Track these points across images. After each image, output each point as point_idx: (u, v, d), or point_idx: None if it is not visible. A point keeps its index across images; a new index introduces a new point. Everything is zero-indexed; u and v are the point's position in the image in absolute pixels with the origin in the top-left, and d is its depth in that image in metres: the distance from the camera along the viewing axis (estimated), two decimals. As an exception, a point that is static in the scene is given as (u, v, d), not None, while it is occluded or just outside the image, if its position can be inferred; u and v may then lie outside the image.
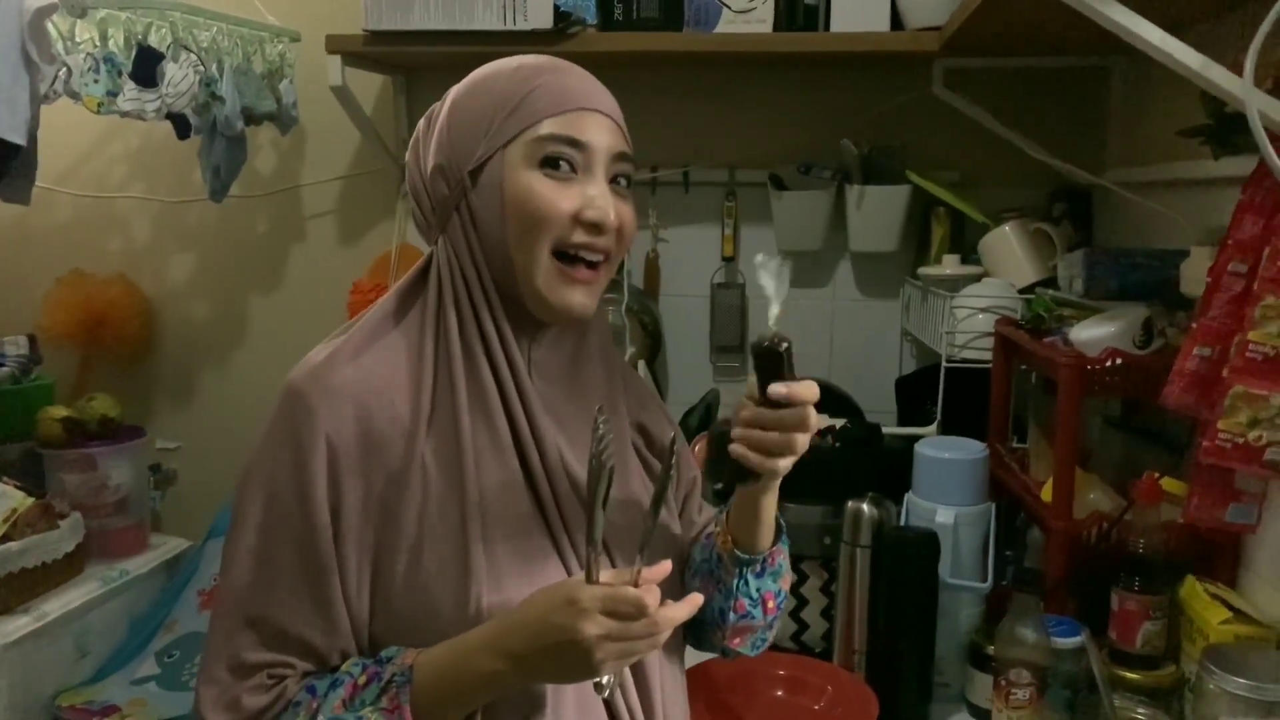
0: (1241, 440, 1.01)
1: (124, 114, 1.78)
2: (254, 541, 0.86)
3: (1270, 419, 1.00)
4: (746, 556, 0.94)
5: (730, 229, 2.15)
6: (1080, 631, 1.26)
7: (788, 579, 1.01)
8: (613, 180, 0.88)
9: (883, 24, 1.79)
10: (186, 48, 1.82)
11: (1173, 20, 1.25)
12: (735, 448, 0.85)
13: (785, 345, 0.84)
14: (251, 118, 1.99)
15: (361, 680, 0.82)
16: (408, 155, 0.94)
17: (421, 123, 0.93)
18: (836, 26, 1.80)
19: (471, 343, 0.87)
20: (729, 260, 2.17)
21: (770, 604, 0.99)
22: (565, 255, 0.86)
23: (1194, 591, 1.26)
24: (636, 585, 0.78)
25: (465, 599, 0.83)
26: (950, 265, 1.85)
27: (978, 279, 1.77)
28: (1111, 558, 1.30)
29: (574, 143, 0.85)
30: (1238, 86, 0.94)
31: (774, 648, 1.48)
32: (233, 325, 2.37)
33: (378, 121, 2.15)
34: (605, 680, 0.79)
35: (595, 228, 0.85)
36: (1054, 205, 1.97)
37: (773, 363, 0.84)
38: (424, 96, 2.20)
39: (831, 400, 1.79)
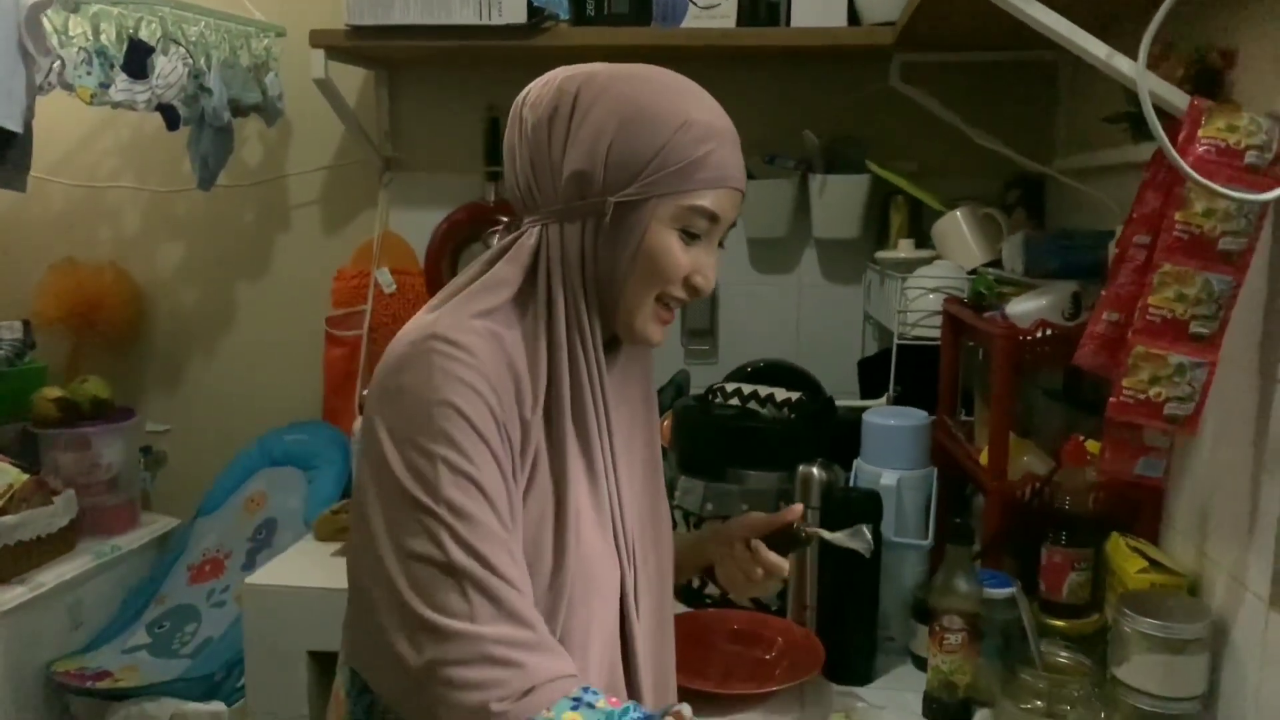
0: (1144, 396, 1.10)
1: (116, 105, 1.87)
2: (468, 475, 0.82)
3: (1168, 376, 1.09)
4: None
5: (700, 217, 2.23)
6: (1012, 583, 1.35)
7: None
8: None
9: (840, 19, 1.88)
10: (176, 41, 1.90)
11: (1101, 18, 1.34)
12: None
13: (808, 543, 1.16)
14: (238, 109, 2.07)
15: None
16: (538, 123, 0.91)
17: (560, 103, 0.90)
18: (797, 22, 1.90)
19: (574, 340, 0.91)
20: (699, 247, 2.26)
21: None
22: (665, 303, 0.95)
23: (1117, 545, 1.35)
24: None
25: (562, 564, 0.88)
26: (905, 249, 1.95)
27: (930, 262, 1.86)
28: (1042, 516, 1.39)
29: (713, 218, 0.92)
30: (1133, 70, 1.03)
31: (730, 605, 1.59)
32: (220, 311, 2.45)
33: (360, 113, 2.24)
34: None
35: (696, 291, 0.94)
36: (1008, 193, 2.06)
37: (790, 543, 1.13)
38: (405, 89, 2.29)
39: (792, 377, 1.88)
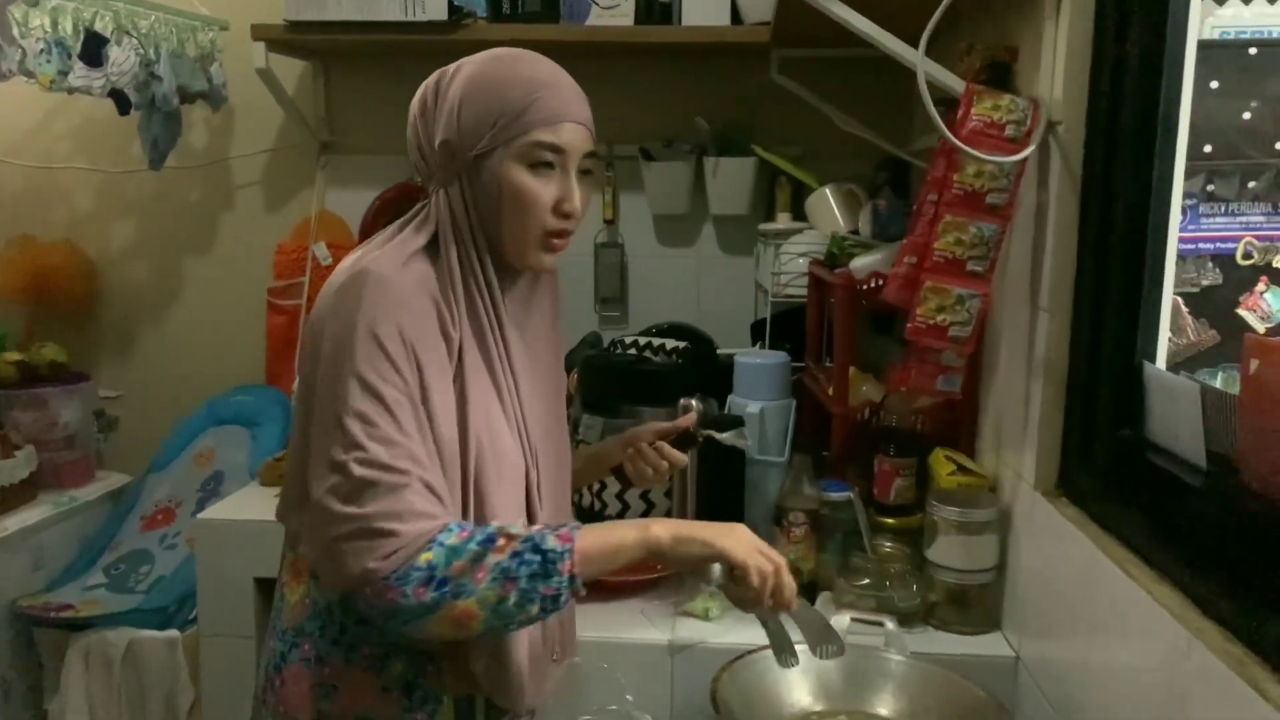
0: (933, 322, 1.38)
1: (73, 90, 2.07)
2: (375, 389, 1.01)
3: (951, 305, 1.37)
4: None
5: (610, 196, 2.49)
6: (850, 489, 1.62)
7: None
8: (580, 172, 1.15)
9: (724, 19, 2.15)
10: (128, 33, 2.10)
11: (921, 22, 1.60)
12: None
13: (702, 443, 1.35)
14: (186, 96, 2.28)
15: (536, 526, 1.04)
16: (415, 117, 1.12)
17: (427, 94, 1.12)
18: (687, 20, 2.16)
19: (469, 282, 1.12)
20: (609, 223, 2.52)
21: None
22: (548, 233, 1.13)
23: (937, 457, 1.64)
24: None
25: (467, 451, 1.08)
26: (783, 221, 2.22)
27: (803, 232, 2.14)
28: (876, 433, 1.67)
29: (556, 149, 1.11)
30: (913, 55, 1.30)
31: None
32: (169, 285, 2.64)
33: (299, 101, 2.45)
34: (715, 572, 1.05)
35: (567, 216, 1.14)
36: (878, 173, 2.34)
37: (687, 442, 1.32)
38: (339, 78, 2.51)
39: (688, 335, 2.15)
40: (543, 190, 1.09)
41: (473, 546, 0.99)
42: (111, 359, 2.67)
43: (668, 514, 1.83)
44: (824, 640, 1.12)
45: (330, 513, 0.99)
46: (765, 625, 1.13)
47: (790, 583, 1.06)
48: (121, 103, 2.19)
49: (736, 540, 1.04)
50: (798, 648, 1.14)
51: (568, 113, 1.11)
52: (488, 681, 1.11)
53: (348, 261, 1.11)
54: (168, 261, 2.63)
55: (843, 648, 1.13)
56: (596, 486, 1.85)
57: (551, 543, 1.00)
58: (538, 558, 0.99)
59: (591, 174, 1.16)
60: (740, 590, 1.06)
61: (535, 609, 1.00)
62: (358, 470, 0.98)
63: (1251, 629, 0.90)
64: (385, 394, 1.01)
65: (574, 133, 1.11)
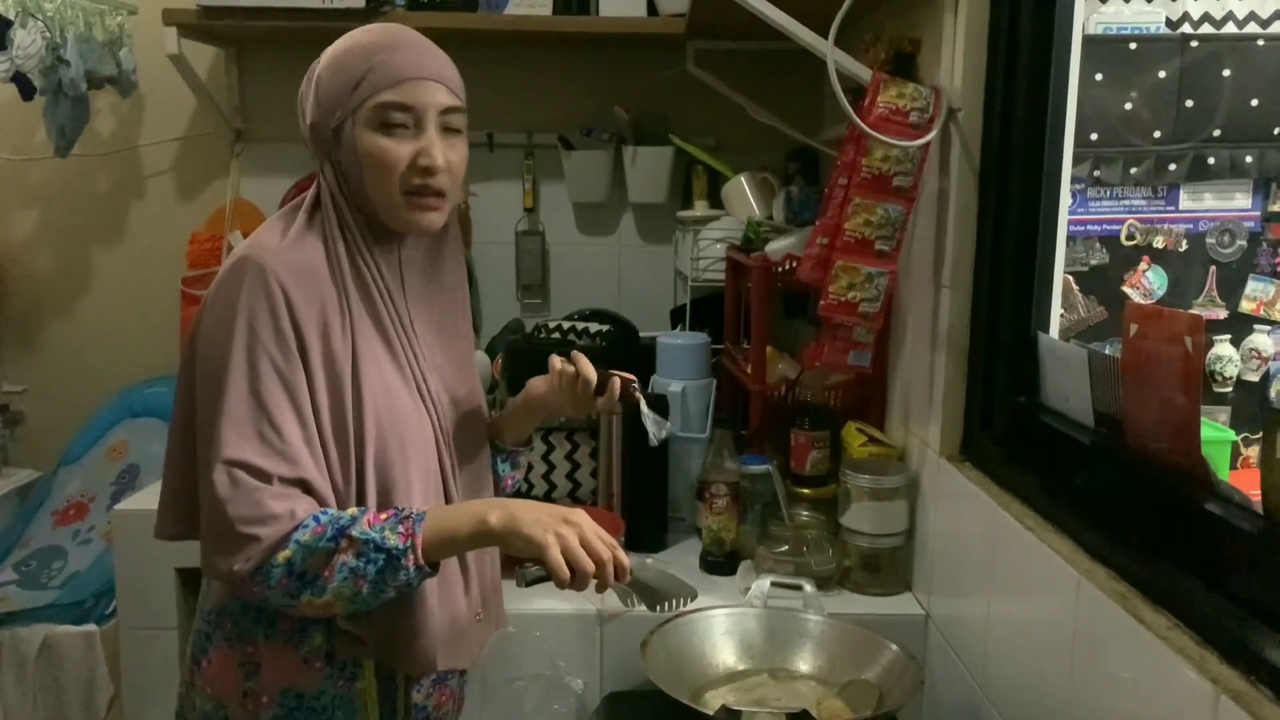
0: (844, 299, 1.46)
1: (-25, 74, 2.01)
2: (247, 381, 1.03)
3: (861, 283, 1.45)
4: (500, 447, 1.32)
5: (530, 184, 2.53)
6: (769, 462, 1.69)
7: (523, 470, 1.39)
8: (446, 129, 1.15)
9: (640, 10, 2.20)
10: (33, 15, 2.05)
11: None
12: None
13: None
14: (94, 81, 2.22)
15: (383, 516, 1.04)
16: (300, 104, 1.16)
17: (305, 81, 1.15)
18: (604, 11, 2.20)
19: (355, 256, 1.14)
20: (530, 211, 2.55)
21: (508, 483, 1.36)
22: (412, 191, 1.14)
23: (849, 430, 1.72)
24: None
25: (361, 420, 1.09)
26: (700, 209, 2.29)
27: (719, 219, 2.20)
28: (792, 408, 1.74)
29: (404, 107, 1.12)
30: (823, 45, 1.37)
31: (551, 501, 1.88)
32: (77, 276, 2.58)
33: (212, 88, 2.41)
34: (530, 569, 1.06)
35: (427, 170, 1.13)
36: (789, 163, 2.42)
37: (629, 408, 1.26)
38: (254, 66, 2.48)
39: (608, 319, 2.20)
40: (396, 149, 1.10)
41: (323, 544, 1.02)
42: (16, 352, 2.59)
43: (593, 492, 1.88)
44: (662, 598, 1.14)
45: (203, 511, 1.04)
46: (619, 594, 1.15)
47: (613, 570, 1.04)
48: (25, 88, 2.13)
49: (554, 542, 1.01)
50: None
51: (408, 71, 1.11)
52: (388, 653, 1.13)
53: (242, 243, 1.13)
54: (75, 252, 2.56)
55: (691, 594, 1.17)
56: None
57: (393, 541, 1.02)
58: (381, 555, 1.02)
59: (460, 132, 1.16)
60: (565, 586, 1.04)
61: (391, 593, 1.04)
62: (222, 472, 1.02)
63: (1133, 567, 0.99)
64: (260, 390, 1.03)
65: (422, 89, 1.11)
